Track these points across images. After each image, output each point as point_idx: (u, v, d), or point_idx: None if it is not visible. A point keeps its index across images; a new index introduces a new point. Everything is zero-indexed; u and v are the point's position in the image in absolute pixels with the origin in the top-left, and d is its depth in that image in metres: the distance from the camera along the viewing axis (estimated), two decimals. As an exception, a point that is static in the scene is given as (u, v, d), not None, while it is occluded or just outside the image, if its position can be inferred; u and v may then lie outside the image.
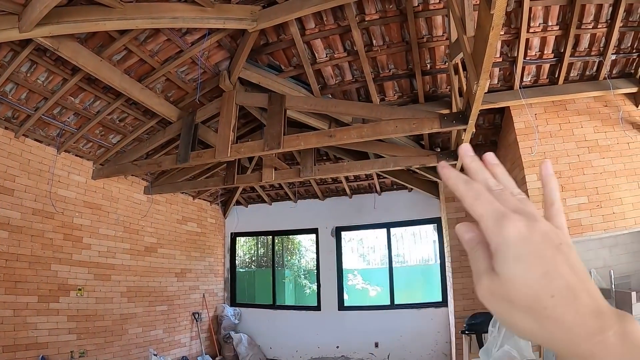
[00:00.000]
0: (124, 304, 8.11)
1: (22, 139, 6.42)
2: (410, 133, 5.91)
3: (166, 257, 9.38)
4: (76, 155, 7.31)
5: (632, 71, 6.34)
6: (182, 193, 10.06)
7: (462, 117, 5.48)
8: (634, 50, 6.11)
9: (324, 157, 9.39)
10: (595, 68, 6.33)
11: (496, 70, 6.38)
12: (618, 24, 5.57)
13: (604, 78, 6.31)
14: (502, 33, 5.75)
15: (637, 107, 6.41)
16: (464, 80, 5.28)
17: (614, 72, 6.39)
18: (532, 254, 0.46)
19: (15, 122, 6.19)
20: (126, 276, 8.22)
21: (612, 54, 6.05)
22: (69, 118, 6.55)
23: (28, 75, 5.59)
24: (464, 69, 5.25)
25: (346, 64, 6.36)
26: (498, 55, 6.12)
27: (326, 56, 6.19)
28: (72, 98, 6.18)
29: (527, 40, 5.90)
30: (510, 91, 6.54)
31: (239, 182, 8.40)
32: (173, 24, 4.89)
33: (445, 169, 0.55)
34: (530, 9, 5.43)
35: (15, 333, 6.05)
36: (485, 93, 6.73)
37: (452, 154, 7.06)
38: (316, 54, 6.14)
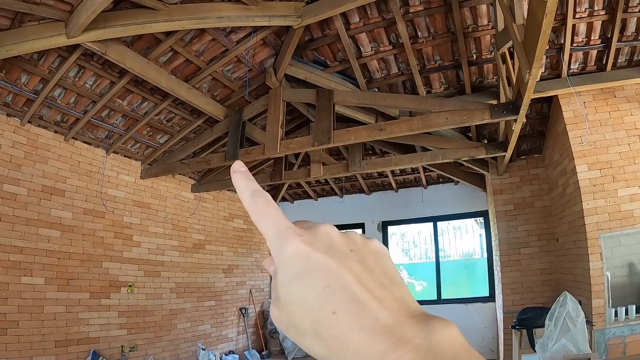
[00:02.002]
0: (173, 299, 8.24)
1: (72, 142, 6.57)
2: (461, 125, 5.83)
3: (214, 254, 9.50)
4: (125, 156, 7.46)
5: (682, 55, 6.12)
6: (229, 190, 10.12)
7: (512, 107, 5.36)
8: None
9: (370, 152, 9.33)
10: (644, 52, 6.13)
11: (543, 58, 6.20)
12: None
13: (656, 62, 6.10)
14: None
15: (690, 92, 6.22)
16: (512, 69, 5.17)
17: (665, 57, 6.16)
18: (313, 267, 0.39)
19: (64, 125, 6.35)
20: (175, 272, 8.36)
21: (661, 37, 5.84)
22: (117, 120, 6.69)
23: (76, 79, 5.73)
24: (512, 58, 5.18)
25: (392, 57, 6.34)
26: (544, 42, 5.99)
27: (371, 50, 6.18)
28: (120, 100, 6.30)
29: (574, 26, 5.74)
30: (557, 79, 6.39)
31: (287, 178, 8.46)
32: (218, 24, 4.92)
33: (235, 174, 0.47)
34: (575, -5, 5.29)
35: (68, 328, 6.23)
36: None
37: (500, 145, 6.95)
38: (361, 48, 6.14)
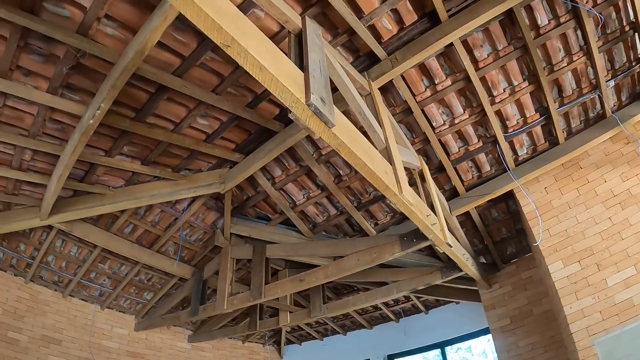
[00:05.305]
0: None
1: (69, 299, 7.66)
2: (372, 264, 5.82)
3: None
4: (119, 311, 8.42)
5: (645, 87, 5.22)
6: (230, 338, 10.52)
7: (419, 232, 5.12)
8: (634, 62, 5.02)
9: (355, 288, 9.32)
10: (597, 105, 5.39)
11: (482, 156, 5.91)
12: (595, 44, 4.63)
13: (612, 112, 5.34)
14: (468, 116, 5.34)
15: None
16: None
17: (624, 98, 5.40)
18: None
19: (61, 284, 7.52)
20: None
21: (608, 80, 5.05)
22: (104, 280, 7.78)
23: (62, 249, 6.95)
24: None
25: (325, 199, 6.53)
26: (476, 140, 5.68)
27: (303, 197, 6.49)
28: (102, 265, 7.45)
29: (499, 111, 5.28)
30: (506, 173, 5.88)
31: (261, 327, 8.68)
32: (152, 201, 5.96)
33: None
34: (483, 78, 4.89)
35: None
36: (478, 185, 6.20)
37: (454, 266, 6.49)
38: (294, 197, 6.51)
